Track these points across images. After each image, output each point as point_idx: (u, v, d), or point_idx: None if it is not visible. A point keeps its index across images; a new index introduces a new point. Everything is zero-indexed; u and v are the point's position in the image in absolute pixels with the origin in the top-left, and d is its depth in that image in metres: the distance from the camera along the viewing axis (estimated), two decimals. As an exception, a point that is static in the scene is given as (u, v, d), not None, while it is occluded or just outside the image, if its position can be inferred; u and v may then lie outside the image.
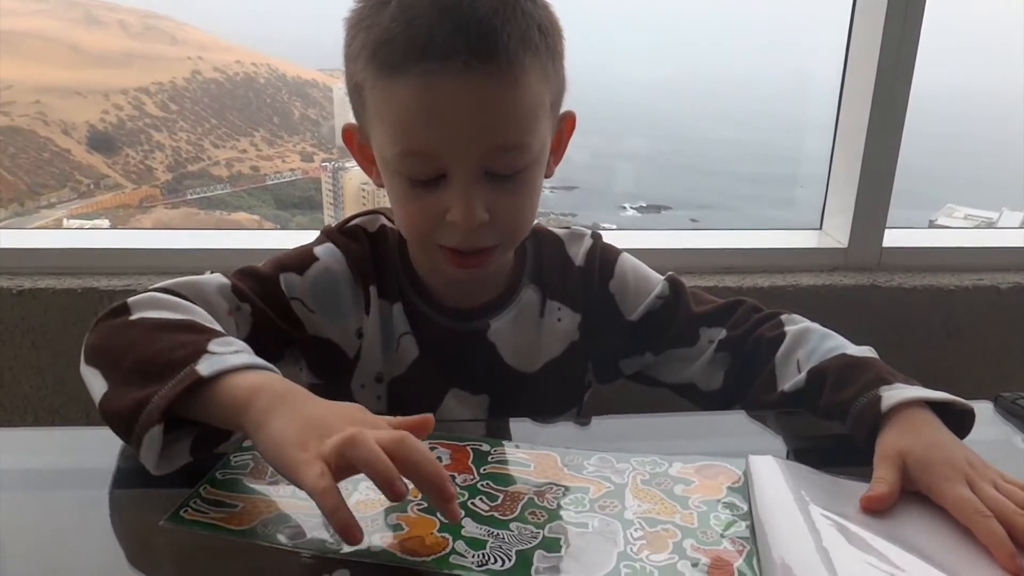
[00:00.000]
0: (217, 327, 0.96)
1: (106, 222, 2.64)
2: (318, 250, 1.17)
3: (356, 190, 2.80)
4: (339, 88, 2.95)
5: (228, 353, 0.87)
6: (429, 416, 0.84)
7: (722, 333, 1.20)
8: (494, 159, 1.00)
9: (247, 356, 0.88)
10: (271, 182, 2.97)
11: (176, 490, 0.85)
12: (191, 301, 1.01)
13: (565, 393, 1.28)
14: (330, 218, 2.96)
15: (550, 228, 1.29)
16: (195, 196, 2.90)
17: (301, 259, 1.16)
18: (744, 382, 1.17)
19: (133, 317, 0.95)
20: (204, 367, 0.83)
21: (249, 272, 1.13)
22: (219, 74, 3.04)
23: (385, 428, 0.78)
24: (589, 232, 1.29)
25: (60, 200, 2.73)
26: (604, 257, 1.27)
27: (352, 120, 1.11)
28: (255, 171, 2.97)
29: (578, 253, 1.26)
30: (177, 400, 0.82)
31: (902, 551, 0.75)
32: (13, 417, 1.72)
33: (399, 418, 0.83)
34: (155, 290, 1.02)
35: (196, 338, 0.90)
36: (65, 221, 2.64)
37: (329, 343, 1.17)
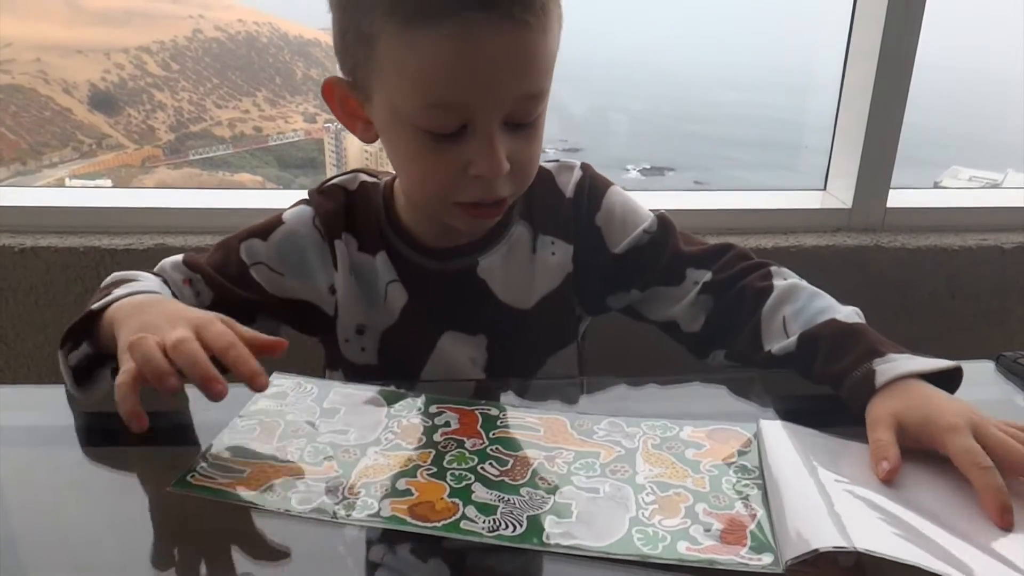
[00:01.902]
0: (148, 282, 1.08)
1: (108, 182, 2.62)
2: (287, 214, 1.21)
3: (359, 151, 2.78)
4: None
5: (122, 291, 1.00)
6: (282, 341, 0.91)
7: (707, 275, 1.19)
8: (518, 108, 1.00)
9: (137, 286, 1.04)
10: (274, 143, 2.96)
11: (179, 448, 0.88)
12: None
13: (561, 328, 1.28)
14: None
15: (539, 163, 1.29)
16: (197, 157, 2.89)
17: (266, 225, 1.20)
18: (725, 328, 1.17)
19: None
20: (96, 303, 0.97)
21: (217, 245, 1.21)
22: (221, 33, 3.01)
23: (203, 327, 0.86)
24: (579, 164, 1.28)
25: (62, 160, 2.72)
26: (593, 189, 1.26)
27: (334, 75, 1.09)
28: (258, 132, 2.95)
29: (568, 184, 1.25)
30: (76, 330, 0.97)
31: (911, 512, 0.75)
32: (16, 375, 1.73)
33: (251, 333, 0.90)
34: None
35: (110, 290, 1.02)
36: (67, 181, 2.63)
37: (304, 304, 1.21)
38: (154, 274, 1.14)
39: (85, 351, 0.98)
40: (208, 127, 2.92)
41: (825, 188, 1.96)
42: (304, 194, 1.24)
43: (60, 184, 2.56)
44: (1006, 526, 0.74)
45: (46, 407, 1.02)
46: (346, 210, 1.21)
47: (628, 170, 2.94)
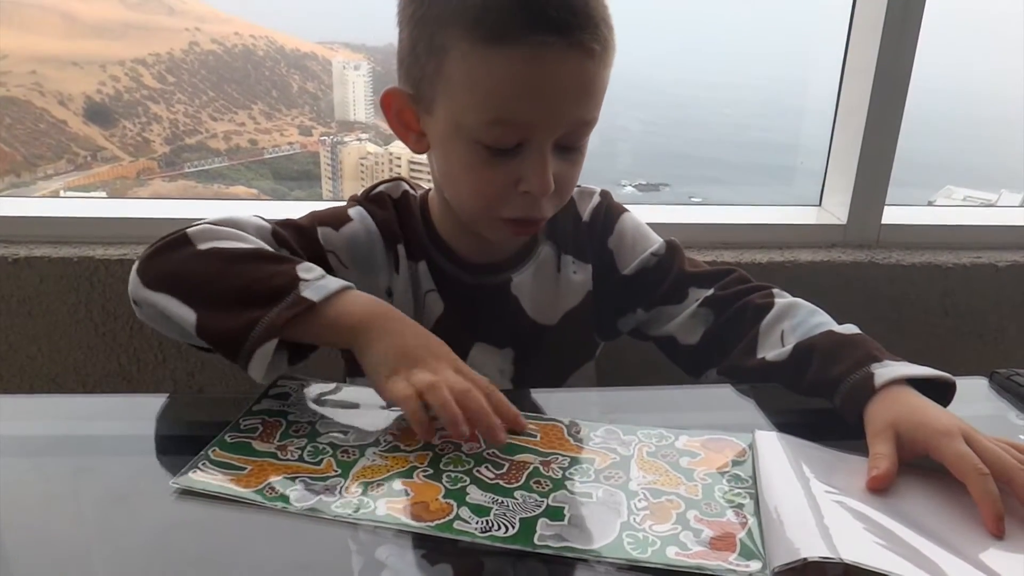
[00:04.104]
0: (315, 268, 1.06)
1: (103, 194, 2.62)
2: (351, 212, 1.22)
3: (355, 164, 2.80)
4: (338, 61, 2.95)
5: (317, 279, 1.00)
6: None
7: (709, 292, 1.22)
8: (571, 132, 1.06)
9: (332, 278, 1.02)
10: (269, 156, 2.96)
11: (173, 458, 0.86)
12: None
13: (582, 344, 1.33)
14: (328, 192, 2.96)
15: None
16: (193, 169, 2.89)
17: (336, 216, 1.22)
18: (722, 343, 1.18)
19: (202, 247, 1.04)
20: (311, 293, 0.97)
21: (287, 223, 1.18)
22: (217, 46, 3.02)
23: (458, 365, 0.95)
24: (598, 190, 1.34)
25: (57, 172, 2.72)
26: (608, 215, 1.31)
27: (395, 85, 1.13)
28: (253, 144, 2.95)
29: (586, 209, 1.31)
30: (289, 322, 0.95)
31: (903, 525, 0.75)
32: (9, 386, 1.72)
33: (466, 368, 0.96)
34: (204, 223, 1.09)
35: (283, 267, 1.02)
36: (62, 193, 2.63)
37: None
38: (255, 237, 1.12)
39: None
40: (203, 140, 2.93)
41: (820, 204, 1.97)
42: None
43: (55, 196, 2.55)
44: (999, 534, 0.75)
45: (39, 417, 1.01)
46: (397, 217, 1.24)
47: (623, 185, 2.95)
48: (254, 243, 1.07)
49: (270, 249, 1.08)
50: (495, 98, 1.01)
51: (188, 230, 1.07)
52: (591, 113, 1.07)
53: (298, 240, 1.16)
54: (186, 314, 1.00)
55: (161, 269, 1.05)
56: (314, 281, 0.99)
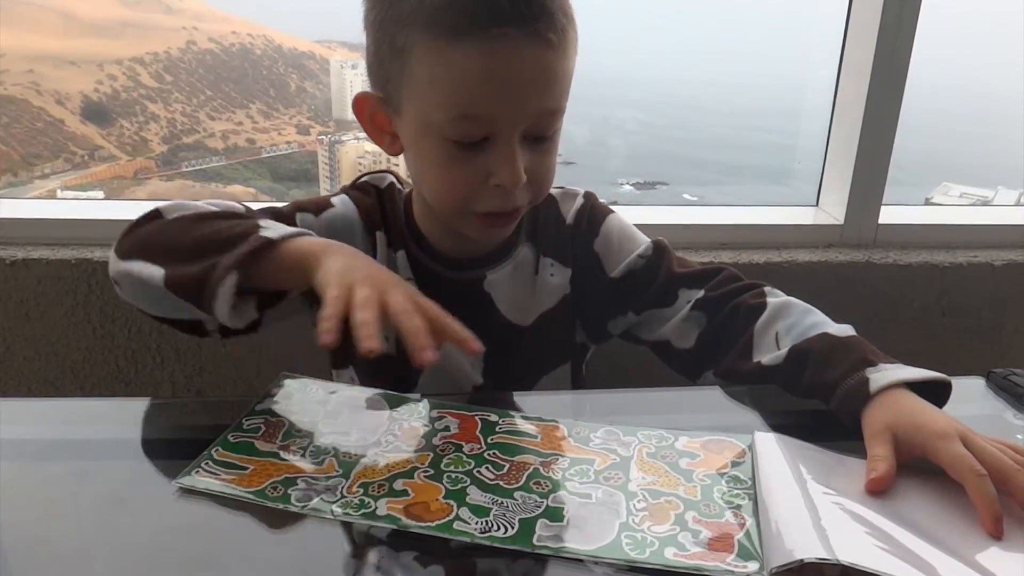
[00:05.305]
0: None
1: (100, 193, 2.62)
2: (335, 199, 1.26)
3: (353, 163, 2.80)
4: (336, 60, 2.95)
5: (278, 227, 1.02)
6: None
7: (699, 293, 1.21)
8: (537, 122, 1.07)
9: (295, 228, 1.03)
10: (267, 155, 2.97)
11: (168, 461, 0.87)
12: None
13: (558, 347, 1.32)
14: (326, 191, 2.96)
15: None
16: (190, 168, 2.90)
17: (318, 204, 1.25)
18: (718, 346, 1.18)
19: (172, 217, 1.09)
20: (269, 234, 0.99)
21: (267, 208, 1.21)
22: (215, 45, 3.01)
23: (409, 292, 0.93)
24: (582, 192, 1.33)
25: (54, 171, 2.72)
26: (592, 217, 1.30)
27: (366, 90, 1.14)
28: (251, 144, 2.96)
29: (569, 211, 1.30)
30: (247, 259, 0.97)
31: (901, 527, 0.75)
32: (7, 388, 1.72)
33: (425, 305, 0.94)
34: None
35: (245, 221, 1.05)
36: (59, 192, 2.62)
37: None
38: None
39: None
40: (201, 139, 2.93)
41: (817, 204, 1.97)
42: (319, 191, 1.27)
43: (51, 195, 2.55)
44: (997, 535, 0.75)
45: (37, 420, 1.01)
46: (379, 205, 1.26)
47: (621, 184, 2.96)
48: (222, 207, 1.12)
49: (237, 207, 1.14)
50: (457, 93, 1.02)
51: (160, 206, 1.12)
52: (555, 102, 1.07)
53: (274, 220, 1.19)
54: (155, 272, 1.03)
55: (133, 241, 1.09)
56: (275, 228, 1.02)
